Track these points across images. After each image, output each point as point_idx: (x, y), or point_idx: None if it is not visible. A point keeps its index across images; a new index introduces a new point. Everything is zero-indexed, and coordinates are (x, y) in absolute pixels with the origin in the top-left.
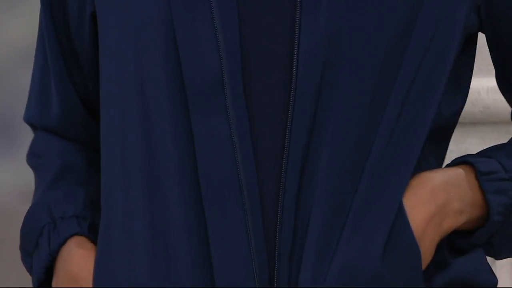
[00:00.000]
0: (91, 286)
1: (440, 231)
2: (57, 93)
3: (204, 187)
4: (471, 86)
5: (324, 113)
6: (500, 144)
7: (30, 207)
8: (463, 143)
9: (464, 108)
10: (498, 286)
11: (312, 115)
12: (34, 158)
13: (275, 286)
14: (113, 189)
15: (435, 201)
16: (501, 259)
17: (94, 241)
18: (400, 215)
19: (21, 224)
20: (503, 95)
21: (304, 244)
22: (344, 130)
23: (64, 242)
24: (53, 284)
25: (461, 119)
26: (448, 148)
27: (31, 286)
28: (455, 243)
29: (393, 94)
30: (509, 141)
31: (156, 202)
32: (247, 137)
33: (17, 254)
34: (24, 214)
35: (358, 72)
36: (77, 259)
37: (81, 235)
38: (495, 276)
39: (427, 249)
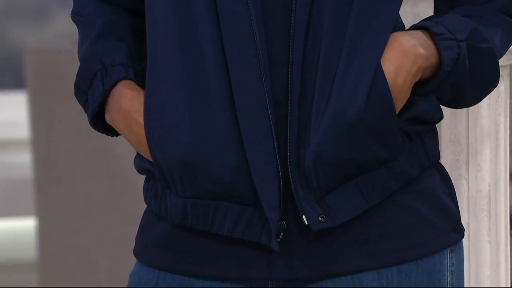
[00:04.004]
0: (141, 117)
1: (411, 75)
2: None
3: (227, 44)
4: None
5: None
6: (437, 14)
7: (84, 56)
8: (416, 6)
9: None
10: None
11: None
12: (77, 16)
13: (287, 122)
14: (158, 42)
15: (405, 54)
16: (445, 102)
17: (138, 84)
18: (378, 71)
19: (75, 62)
20: None
21: (307, 93)
22: None
23: (115, 84)
24: (107, 118)
25: None
26: (405, 10)
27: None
28: (414, 91)
29: None
30: (446, 13)
31: (193, 52)
32: (259, 3)
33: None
34: (78, 56)
35: None
36: (128, 97)
37: (129, 79)
38: (442, 112)
39: (399, 92)
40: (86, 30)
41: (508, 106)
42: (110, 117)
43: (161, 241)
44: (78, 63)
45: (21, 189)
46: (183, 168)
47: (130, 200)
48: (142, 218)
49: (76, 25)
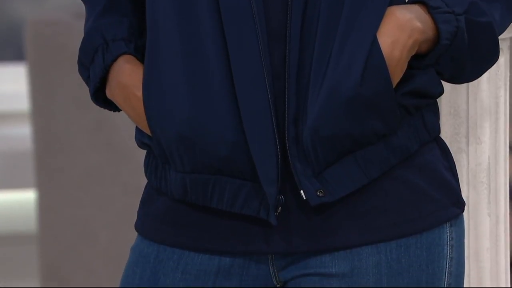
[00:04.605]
0: (139, 92)
1: (407, 48)
2: None
3: (225, 19)
4: None
5: None
6: None
7: (87, 32)
8: None
9: None
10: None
11: None
12: None
13: (284, 98)
14: (157, 18)
15: (401, 27)
16: (446, 78)
17: (138, 59)
18: (374, 44)
19: (75, 34)
20: None
21: (305, 68)
22: None
23: (115, 59)
24: (107, 93)
25: None
26: None
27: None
28: (411, 64)
29: None
30: None
31: (192, 27)
32: None
33: (74, 56)
34: (77, 28)
35: None
36: (127, 72)
37: (129, 54)
38: (442, 86)
39: (395, 66)
40: (91, 6)
41: (508, 79)
42: (110, 92)
43: (161, 215)
44: (78, 35)
45: (21, 161)
46: (181, 142)
47: (130, 172)
48: (143, 192)
49: (83, 3)
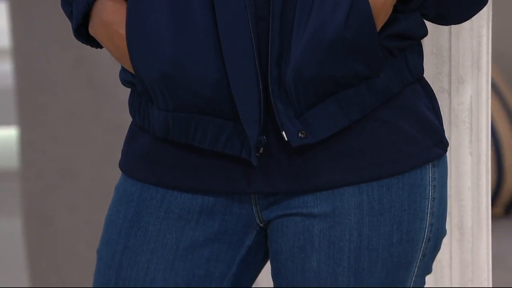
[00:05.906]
0: (123, 30)
1: None
2: None
3: None
4: None
5: None
6: None
7: None
8: None
9: None
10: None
11: None
12: None
13: (268, 42)
14: None
15: None
16: (431, 19)
17: None
18: None
19: None
20: None
21: (289, 9)
22: None
23: None
24: (90, 30)
25: None
26: None
27: None
28: (396, 8)
29: None
30: None
31: None
32: None
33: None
34: None
35: None
36: (110, 9)
37: None
38: (426, 28)
39: (380, 9)
40: None
41: (490, 18)
42: (93, 30)
43: (144, 154)
44: None
45: (3, 98)
46: (164, 81)
47: (111, 109)
48: (128, 131)
49: None
